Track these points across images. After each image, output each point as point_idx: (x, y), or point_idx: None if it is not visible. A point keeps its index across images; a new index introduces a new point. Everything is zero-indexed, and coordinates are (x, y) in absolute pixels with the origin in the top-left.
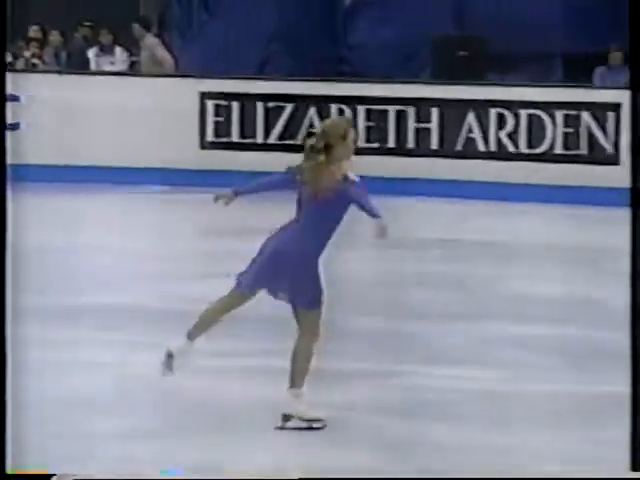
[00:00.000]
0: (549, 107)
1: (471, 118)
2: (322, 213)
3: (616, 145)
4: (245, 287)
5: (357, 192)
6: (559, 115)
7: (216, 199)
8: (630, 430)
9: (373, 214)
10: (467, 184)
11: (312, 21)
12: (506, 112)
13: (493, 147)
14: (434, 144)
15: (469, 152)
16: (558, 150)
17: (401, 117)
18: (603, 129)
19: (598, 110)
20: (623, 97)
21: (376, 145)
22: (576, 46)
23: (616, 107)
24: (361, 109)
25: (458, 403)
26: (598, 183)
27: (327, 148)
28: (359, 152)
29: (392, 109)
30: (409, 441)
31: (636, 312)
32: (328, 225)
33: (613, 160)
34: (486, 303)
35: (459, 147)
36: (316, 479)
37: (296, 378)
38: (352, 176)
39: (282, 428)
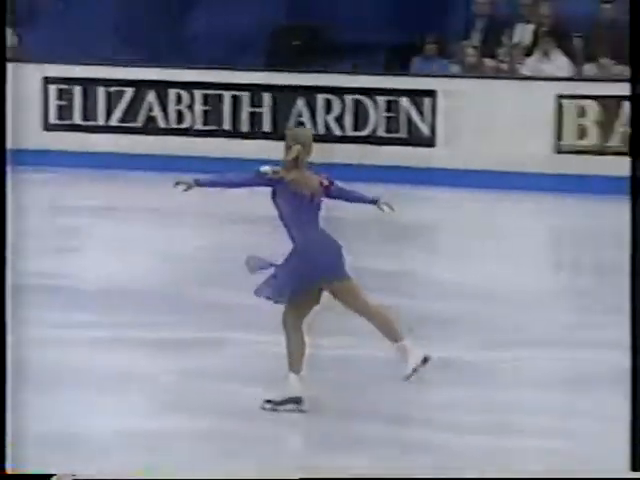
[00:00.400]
0: (372, 93)
1: (301, 103)
2: (318, 210)
3: (432, 128)
4: (287, 293)
5: (346, 191)
6: (381, 100)
7: (176, 184)
8: (630, 430)
9: (371, 201)
10: None
11: (153, 9)
12: (333, 97)
13: (322, 130)
14: (266, 127)
15: None
16: (381, 133)
17: (236, 102)
18: (420, 113)
19: (415, 96)
20: (437, 84)
21: (213, 128)
22: (396, 38)
23: (431, 93)
24: (198, 94)
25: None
26: (417, 164)
27: (307, 155)
28: (197, 134)
29: (227, 94)
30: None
31: (636, 306)
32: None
33: (429, 142)
34: None
35: None
36: (316, 479)
37: (394, 332)
38: (328, 179)
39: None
